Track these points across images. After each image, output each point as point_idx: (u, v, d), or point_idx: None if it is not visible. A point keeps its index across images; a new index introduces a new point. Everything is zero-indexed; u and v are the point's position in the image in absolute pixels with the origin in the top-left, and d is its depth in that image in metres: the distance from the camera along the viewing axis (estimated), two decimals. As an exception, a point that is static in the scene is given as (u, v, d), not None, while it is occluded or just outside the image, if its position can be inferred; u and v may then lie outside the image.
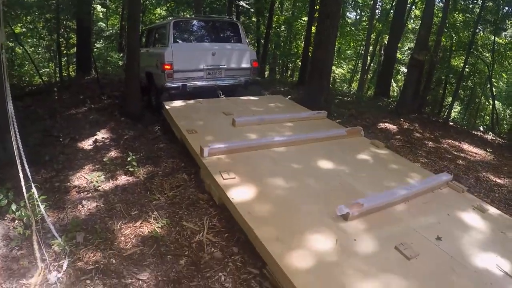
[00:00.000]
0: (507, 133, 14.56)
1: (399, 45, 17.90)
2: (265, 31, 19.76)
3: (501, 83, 22.99)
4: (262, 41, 20.44)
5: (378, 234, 3.36)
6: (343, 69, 27.60)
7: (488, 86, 19.84)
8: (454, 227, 3.65)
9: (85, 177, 5.40)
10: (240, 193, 3.96)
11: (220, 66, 8.06)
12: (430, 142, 8.55)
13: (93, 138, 6.94)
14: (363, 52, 22.34)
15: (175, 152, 6.23)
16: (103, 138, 7.02)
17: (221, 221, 4.17)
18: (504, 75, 21.73)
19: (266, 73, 23.27)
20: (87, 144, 6.75)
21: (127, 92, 8.44)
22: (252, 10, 19.70)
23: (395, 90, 22.22)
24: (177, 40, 7.98)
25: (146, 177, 5.43)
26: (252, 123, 6.17)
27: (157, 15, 22.83)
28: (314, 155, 5.08)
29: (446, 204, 4.09)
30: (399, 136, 8.42)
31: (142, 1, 20.76)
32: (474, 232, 3.63)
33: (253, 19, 21.58)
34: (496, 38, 16.57)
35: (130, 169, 5.50)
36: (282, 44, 24.31)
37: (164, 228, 4.12)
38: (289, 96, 10.85)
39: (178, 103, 7.29)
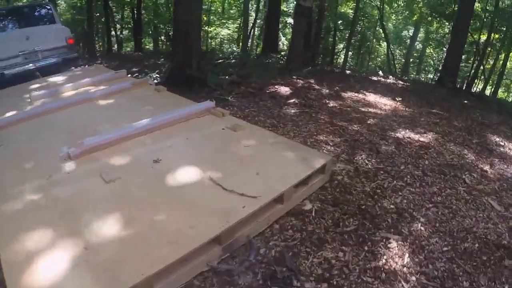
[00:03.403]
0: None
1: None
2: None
3: (390, 25, 22.83)
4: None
5: (94, 166, 3.52)
6: (229, 29, 25.72)
7: (378, 28, 19.43)
8: (184, 148, 3.92)
9: None
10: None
11: (36, 49, 8.20)
12: (331, 101, 6.96)
13: None
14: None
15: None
16: None
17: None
18: (392, 17, 21.65)
19: (149, 46, 20.96)
20: None
21: None
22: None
23: (285, 44, 20.91)
24: None
25: None
26: (49, 95, 5.99)
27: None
28: (85, 109, 5.18)
29: (194, 129, 4.33)
30: (293, 100, 6.72)
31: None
32: (205, 151, 3.87)
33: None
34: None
35: None
36: (160, 11, 21.93)
37: None
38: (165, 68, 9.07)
39: None
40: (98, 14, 18.40)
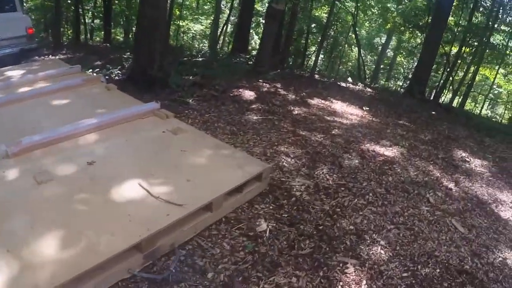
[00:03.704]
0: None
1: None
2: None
3: (363, 31, 22.85)
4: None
5: (29, 166, 3.40)
6: (202, 25, 25.26)
7: (350, 34, 19.41)
8: (121, 151, 3.80)
9: None
10: None
11: None
12: (297, 108, 6.74)
13: None
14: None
15: None
16: None
17: None
18: (366, 24, 21.68)
19: (121, 37, 20.22)
20: None
21: None
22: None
23: (257, 43, 20.65)
24: None
25: None
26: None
27: None
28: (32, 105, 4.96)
29: (134, 131, 4.20)
30: (257, 105, 6.47)
31: None
32: (141, 154, 3.77)
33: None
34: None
35: None
36: (132, 2, 21.28)
37: None
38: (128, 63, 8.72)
39: None
40: (69, 1, 17.67)
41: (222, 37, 21.49)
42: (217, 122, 5.42)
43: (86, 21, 19.60)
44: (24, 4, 19.13)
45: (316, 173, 4.31)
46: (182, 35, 22.56)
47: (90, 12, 20.10)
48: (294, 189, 3.89)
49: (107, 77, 7.61)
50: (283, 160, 4.49)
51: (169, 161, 3.66)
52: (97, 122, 4.16)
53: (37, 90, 5.47)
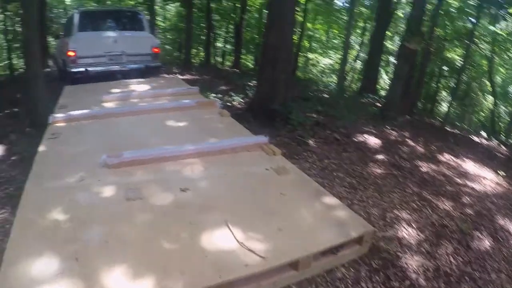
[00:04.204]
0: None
1: (389, 34, 15.91)
2: (239, 17, 17.04)
3: (498, 77, 20.87)
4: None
5: (124, 180, 3.53)
6: (331, 59, 25.08)
7: (483, 79, 18.00)
8: (218, 183, 3.69)
9: None
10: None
11: (121, 52, 8.76)
12: (424, 164, 6.18)
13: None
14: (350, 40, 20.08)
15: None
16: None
17: None
18: (501, 69, 19.86)
19: (250, 64, 20.69)
20: None
21: (30, 94, 6.52)
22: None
23: (386, 82, 19.91)
24: (82, 29, 8.63)
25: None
26: (118, 99, 6.38)
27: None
28: (145, 120, 5.37)
29: (236, 164, 4.07)
30: (382, 156, 6.02)
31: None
32: (237, 190, 3.59)
33: (226, 3, 18.68)
34: (495, 28, 14.48)
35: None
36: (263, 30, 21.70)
37: None
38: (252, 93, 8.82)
39: (74, 86, 7.68)
40: (202, 24, 18.59)
41: (351, 73, 21.17)
42: (337, 171, 5.10)
43: (218, 45, 20.40)
44: (161, 25, 20.69)
45: (438, 252, 3.76)
46: (310, 67, 22.61)
47: (222, 37, 20.99)
48: (410, 270, 3.41)
49: (228, 103, 7.72)
50: (403, 230, 3.99)
51: (264, 203, 3.42)
52: (201, 147, 4.20)
53: (151, 105, 5.85)
